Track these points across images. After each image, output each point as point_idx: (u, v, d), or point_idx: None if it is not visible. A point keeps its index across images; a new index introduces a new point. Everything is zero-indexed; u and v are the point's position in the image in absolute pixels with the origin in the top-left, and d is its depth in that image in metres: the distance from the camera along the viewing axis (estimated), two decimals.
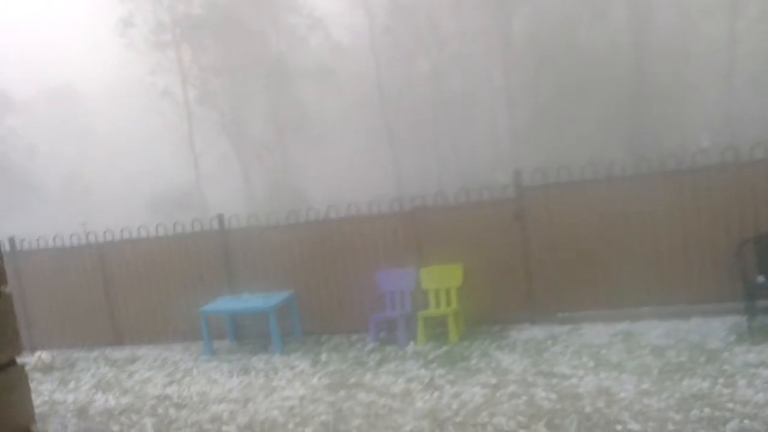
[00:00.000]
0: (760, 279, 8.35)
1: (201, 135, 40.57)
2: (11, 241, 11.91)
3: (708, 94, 29.50)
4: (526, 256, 9.86)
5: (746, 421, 5.99)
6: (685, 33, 31.32)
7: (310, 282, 10.72)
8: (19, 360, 6.03)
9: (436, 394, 7.61)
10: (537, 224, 9.79)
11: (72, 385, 9.63)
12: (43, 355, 10.65)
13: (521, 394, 7.29)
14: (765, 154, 8.81)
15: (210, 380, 9.10)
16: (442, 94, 36.66)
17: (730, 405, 6.33)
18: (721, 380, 6.95)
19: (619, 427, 6.19)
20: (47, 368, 10.48)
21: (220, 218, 11.16)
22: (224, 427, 7.33)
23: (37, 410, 8.55)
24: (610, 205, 9.49)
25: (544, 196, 9.78)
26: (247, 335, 10.92)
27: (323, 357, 9.57)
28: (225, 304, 10.58)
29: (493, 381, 7.80)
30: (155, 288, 11.34)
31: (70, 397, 9.06)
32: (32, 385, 9.64)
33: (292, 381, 8.66)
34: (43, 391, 9.46)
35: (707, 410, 6.30)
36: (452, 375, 8.17)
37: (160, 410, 8.09)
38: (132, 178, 41.41)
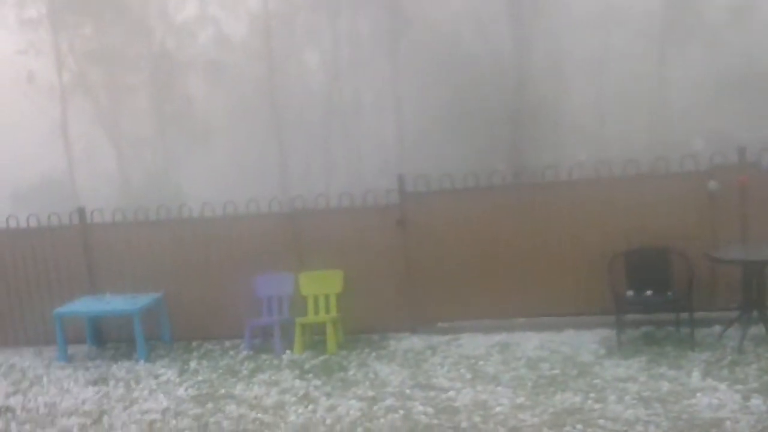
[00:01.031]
0: (629, 293, 8.48)
1: (75, 124, 38.41)
2: None
3: (583, 112, 30.65)
4: (408, 264, 9.64)
5: None
6: (561, 54, 32.46)
7: (181, 284, 10.03)
8: None
9: (310, 407, 7.22)
10: (419, 231, 9.59)
11: None
12: None
13: (398, 408, 7.01)
14: (636, 169, 9.00)
15: (61, 390, 8.28)
16: (332, 97, 36.39)
17: (602, 421, 6.29)
18: (592, 395, 6.92)
19: None
20: None
21: (81, 212, 10.30)
22: None
23: None
24: (490, 214, 9.42)
25: (427, 202, 9.60)
26: (109, 340, 10.11)
27: (192, 365, 8.95)
28: (84, 305, 9.72)
29: (371, 393, 7.48)
30: (4, 286, 10.31)
31: None
32: None
33: (156, 391, 8.01)
34: None
35: (579, 426, 6.23)
36: (328, 386, 7.80)
37: None
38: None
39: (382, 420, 6.75)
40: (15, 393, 8.31)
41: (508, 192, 9.45)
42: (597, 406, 6.66)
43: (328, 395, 7.52)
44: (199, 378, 8.41)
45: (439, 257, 9.56)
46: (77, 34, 37.77)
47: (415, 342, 9.22)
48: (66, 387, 8.40)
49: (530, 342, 8.78)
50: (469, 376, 7.81)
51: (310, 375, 8.21)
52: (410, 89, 34.89)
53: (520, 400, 6.98)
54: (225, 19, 38.31)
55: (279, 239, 9.88)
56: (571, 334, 8.96)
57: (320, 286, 9.63)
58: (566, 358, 8.11)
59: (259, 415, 7.11)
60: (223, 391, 7.89)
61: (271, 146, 36.87)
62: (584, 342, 8.59)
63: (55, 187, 35.37)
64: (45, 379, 8.75)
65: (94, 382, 8.50)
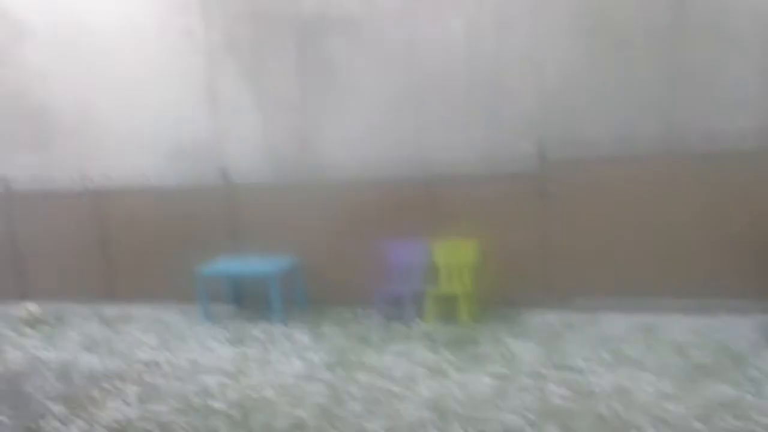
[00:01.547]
0: None
1: (223, 85, 39.90)
2: (3, 180, 11.39)
3: (747, 73, 28.28)
4: (545, 237, 9.23)
5: None
6: (725, 7, 29.91)
7: (318, 248, 10.14)
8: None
9: (441, 380, 7.09)
10: (560, 201, 9.13)
11: (58, 342, 9.18)
12: (32, 307, 10.20)
13: (532, 388, 6.75)
14: None
15: (203, 347, 8.61)
16: (474, 60, 35.61)
17: (757, 416, 5.77)
18: (748, 387, 6.38)
19: None
20: (35, 321, 10.04)
21: (225, 172, 10.57)
22: (212, 402, 6.86)
23: (17, 368, 8.21)
24: (640, 186, 8.81)
25: (569, 171, 9.12)
26: (248, 300, 10.42)
27: (325, 330, 9.05)
28: (225, 265, 10.04)
29: (504, 371, 7.24)
30: (153, 242, 10.80)
31: (54, 356, 8.61)
32: (16, 340, 9.34)
33: (290, 355, 8.15)
34: (27, 347, 9.03)
35: (731, 420, 5.75)
36: (460, 361, 7.63)
37: (146, 378, 7.62)
38: (147, 122, 40.81)
39: (515, 399, 6.52)
40: (161, 348, 8.71)
41: (659, 161, 8.80)
42: (753, 400, 6.13)
43: (460, 369, 7.36)
44: (332, 344, 8.48)
45: (580, 229, 9.08)
46: None
47: (552, 318, 8.87)
48: (207, 345, 8.72)
49: (678, 325, 8.21)
50: (609, 358, 7.40)
51: (442, 347, 8.07)
52: (555, 51, 33.58)
53: (667, 388, 6.53)
54: None
55: (415, 206, 9.74)
56: (725, 319, 8.31)
57: (454, 257, 9.42)
58: (719, 345, 7.52)
59: (390, 385, 7.06)
60: (354, 358, 7.91)
61: (408, 111, 36.83)
62: (740, 329, 7.95)
63: (202, 147, 36.99)
64: (189, 336, 9.13)
65: (234, 342, 8.77)
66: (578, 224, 9.09)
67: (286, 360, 7.99)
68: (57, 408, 6.93)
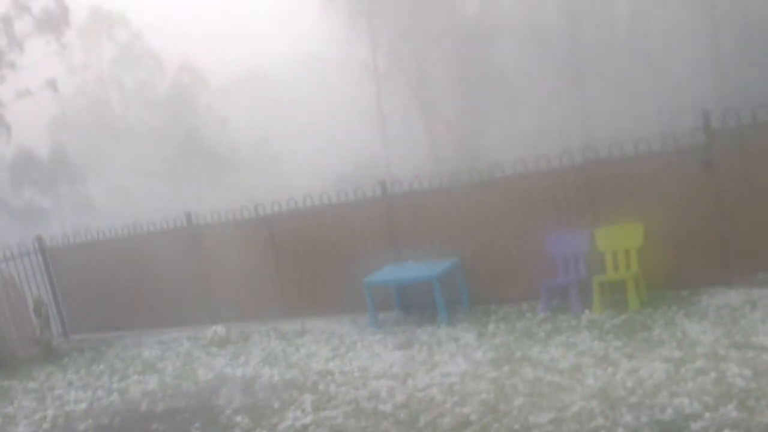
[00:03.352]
0: None
1: (388, 102, 41.16)
2: (188, 215, 12.37)
3: None
4: (719, 211, 8.61)
5: None
6: None
7: (477, 247, 10.13)
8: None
9: (609, 369, 6.81)
10: (730, 173, 8.51)
11: (242, 359, 9.79)
12: (218, 329, 10.97)
13: (710, 370, 6.31)
14: None
15: (372, 354, 8.84)
16: (636, 34, 34.09)
17: None
18: None
19: None
20: (223, 342, 10.78)
21: (383, 185, 10.84)
22: (381, 406, 7.02)
23: (207, 385, 8.87)
24: None
25: (739, 140, 8.46)
26: (413, 305, 10.57)
27: (490, 328, 8.98)
28: (389, 273, 10.27)
29: (678, 354, 6.84)
30: (322, 258, 11.27)
31: (239, 372, 9.20)
32: (206, 359, 10.08)
33: (455, 355, 8.17)
34: (215, 366, 9.71)
35: None
36: (630, 347, 7.29)
37: (320, 386, 7.94)
38: (321, 148, 42.73)
39: (690, 383, 6.14)
40: (334, 358, 9.05)
41: None
42: None
43: (630, 357, 7.03)
44: (497, 341, 8.40)
45: (756, 199, 8.41)
46: (387, 15, 40.23)
47: (732, 296, 8.25)
48: (376, 351, 8.94)
49: None
50: None
51: (610, 336, 7.75)
52: (728, 11, 31.16)
53: None
54: None
55: (572, 193, 9.47)
56: None
57: (619, 241, 9.03)
58: None
59: (555, 378, 6.88)
60: (519, 354, 7.78)
61: (573, 98, 35.71)
62: None
63: (372, 163, 38.20)
64: (359, 345, 9.41)
65: (401, 347, 8.93)
66: (754, 194, 8.42)
67: (452, 360, 8.01)
68: (242, 419, 7.40)
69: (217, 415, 7.67)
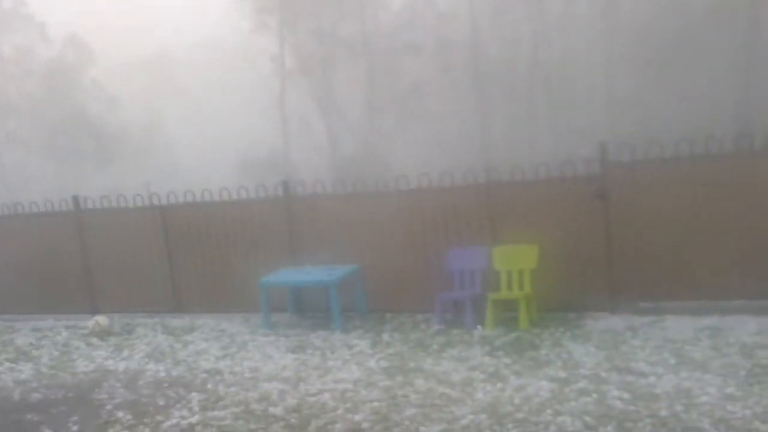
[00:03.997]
0: None
1: (292, 99, 40.92)
2: (75, 199, 11.81)
3: None
4: (608, 239, 9.04)
5: None
6: None
7: (376, 256, 10.18)
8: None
9: (498, 385, 7.00)
10: (622, 204, 8.95)
11: (126, 352, 9.44)
12: (101, 320, 10.54)
13: (591, 392, 6.59)
14: None
15: (264, 356, 8.72)
16: (539, 61, 35.40)
17: None
18: None
19: None
20: (104, 333, 10.35)
21: (285, 184, 10.74)
22: (271, 408, 6.93)
23: (87, 377, 8.49)
24: (704, 186, 8.57)
25: (632, 173, 8.92)
26: (308, 309, 10.52)
27: (385, 337, 9.06)
28: (285, 275, 10.18)
29: (563, 375, 7.11)
30: (217, 255, 11.02)
31: (122, 365, 8.87)
32: (86, 350, 9.66)
33: (349, 362, 8.18)
34: (96, 357, 9.33)
35: None
36: (519, 365, 7.52)
37: (209, 385, 7.75)
38: (217, 138, 41.95)
39: (573, 403, 6.39)
40: (224, 357, 8.87)
41: (727, 161, 8.54)
42: None
43: (518, 374, 7.26)
44: (390, 350, 8.47)
45: (644, 232, 8.90)
46: (301, 13, 40.01)
47: (615, 322, 8.67)
48: (268, 353, 8.83)
49: (746, 327, 7.93)
50: (672, 361, 7.19)
51: (501, 352, 7.98)
52: (623, 45, 32.82)
53: (730, 389, 6.32)
54: None
55: (473, 212, 9.69)
56: None
57: (514, 261, 9.31)
58: None
59: (447, 390, 7.00)
60: (412, 364, 7.88)
61: (473, 115, 36.68)
62: None
63: (271, 158, 37.85)
64: (250, 345, 9.27)
65: (294, 350, 8.86)
66: (642, 226, 8.90)
67: (345, 367, 8.02)
68: (124, 415, 7.13)
69: (98, 409, 7.37)
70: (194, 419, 6.86)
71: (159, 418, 7.00)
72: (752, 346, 7.32)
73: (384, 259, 10.14)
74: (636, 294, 8.98)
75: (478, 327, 8.94)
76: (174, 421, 6.88)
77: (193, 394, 7.55)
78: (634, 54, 31.81)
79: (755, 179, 8.38)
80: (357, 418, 6.53)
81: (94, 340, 10.18)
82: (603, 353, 7.62)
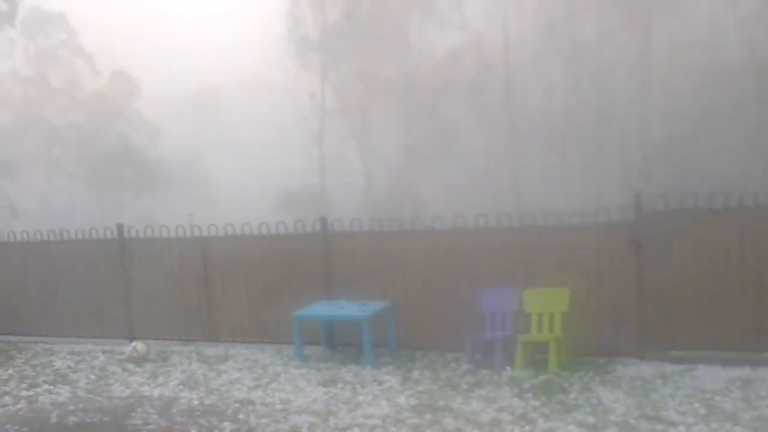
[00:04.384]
0: None
1: (330, 137, 41.64)
2: (119, 228, 12.17)
3: None
4: (640, 286, 9.10)
5: None
6: None
7: (409, 294, 10.35)
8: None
9: (527, 427, 7.06)
10: (655, 252, 9.02)
11: (161, 379, 9.66)
12: (138, 346, 10.79)
13: None
14: None
15: (296, 388, 8.87)
16: (574, 109, 35.71)
17: None
18: None
19: None
20: (141, 359, 10.59)
21: (323, 221, 10.98)
22: None
23: (122, 402, 8.70)
24: (738, 238, 8.67)
25: (666, 223, 9.02)
26: (341, 342, 10.66)
27: (414, 374, 9.15)
28: (319, 309, 10.36)
29: (591, 420, 7.14)
30: (254, 287, 11.24)
31: (157, 392, 9.07)
32: (122, 376, 9.89)
33: (379, 397, 8.29)
34: (132, 383, 9.54)
35: None
36: (547, 408, 7.57)
37: (241, 415, 7.91)
38: (255, 172, 42.62)
39: None
40: (257, 387, 9.03)
41: (761, 215, 8.64)
42: None
43: (546, 417, 7.30)
44: (420, 388, 8.56)
45: (676, 281, 8.95)
46: (342, 52, 40.96)
47: (644, 369, 8.67)
48: (300, 385, 8.97)
49: None
50: (703, 411, 7.18)
51: (529, 394, 8.03)
52: (657, 96, 32.99)
53: None
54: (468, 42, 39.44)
55: (506, 254, 9.81)
56: None
57: (545, 304, 9.40)
58: None
59: (475, 430, 7.08)
60: (441, 403, 7.96)
61: (506, 158, 36.93)
62: None
63: (309, 195, 38.38)
64: (282, 377, 9.42)
65: (324, 383, 8.99)
66: (674, 275, 8.95)
67: (375, 402, 8.13)
68: None
69: None
70: None
71: None
72: None
73: (416, 297, 10.29)
74: (666, 342, 8.99)
75: (507, 368, 9.00)
76: None
77: (225, 423, 7.71)
78: (668, 106, 31.96)
79: None
80: None
81: (131, 366, 10.41)
82: (632, 400, 7.64)
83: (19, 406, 8.84)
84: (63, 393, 9.32)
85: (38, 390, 9.51)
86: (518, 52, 37.73)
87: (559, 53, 36.26)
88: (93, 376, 10.07)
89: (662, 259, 9.02)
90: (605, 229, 9.32)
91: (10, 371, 10.56)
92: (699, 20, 32.56)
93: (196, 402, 8.56)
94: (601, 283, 9.25)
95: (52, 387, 9.62)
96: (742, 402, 7.33)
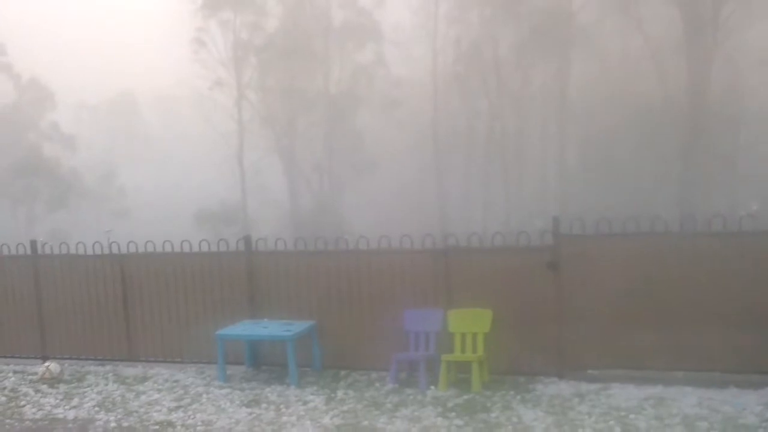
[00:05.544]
0: None
1: (252, 153, 41.32)
2: (33, 244, 11.75)
3: (761, 157, 28.62)
4: (559, 307, 9.39)
5: None
6: (742, 92, 30.73)
7: (334, 313, 10.35)
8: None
9: None
10: (572, 275, 9.34)
11: (76, 401, 9.34)
12: (52, 366, 10.42)
13: None
14: None
15: (218, 409, 8.74)
16: (494, 135, 36.65)
17: None
18: None
19: None
20: (54, 380, 10.23)
21: (247, 240, 10.90)
22: None
23: (35, 425, 8.39)
24: (650, 261, 9.06)
25: (582, 246, 9.35)
26: (264, 362, 10.57)
27: (339, 394, 9.16)
28: (243, 329, 10.25)
29: None
30: (174, 306, 11.01)
31: (71, 414, 8.79)
32: (35, 398, 9.53)
33: (303, 417, 8.27)
34: (44, 405, 9.22)
35: None
36: (470, 427, 7.72)
37: None
38: (176, 189, 41.90)
39: None
40: (177, 409, 8.86)
41: (672, 240, 9.06)
42: None
43: None
44: (345, 407, 8.59)
45: (592, 302, 9.26)
46: (264, 70, 40.82)
47: (563, 388, 8.93)
48: (222, 406, 8.85)
49: (688, 398, 8.25)
50: (618, 429, 7.48)
51: (453, 413, 8.16)
52: (575, 128, 34.31)
53: None
54: (396, 61, 40.04)
55: (430, 275, 9.96)
56: (734, 392, 8.36)
57: (469, 324, 9.57)
58: (727, 418, 7.57)
59: None
60: (366, 422, 8.01)
61: (430, 182, 37.53)
62: (749, 402, 7.98)
63: (229, 211, 37.92)
64: (204, 397, 9.27)
65: (248, 404, 8.90)
66: (591, 297, 9.27)
67: (299, 423, 8.11)
68: None
69: None
70: None
71: None
72: (694, 418, 7.63)
73: (341, 316, 10.31)
74: (584, 361, 9.30)
75: (431, 387, 9.12)
76: None
77: None
78: (584, 133, 33.24)
79: (698, 256, 8.86)
80: None
81: (44, 387, 10.04)
82: (551, 418, 7.87)
83: None
84: None
85: None
86: (442, 70, 38.56)
87: (482, 77, 37.19)
88: (2, 398, 9.66)
89: (579, 281, 9.33)
90: (526, 252, 9.60)
91: None
92: (613, 51, 34.07)
93: (113, 424, 8.34)
94: (522, 304, 9.49)
95: None
96: (655, 420, 7.65)
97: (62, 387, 10.05)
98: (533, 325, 9.48)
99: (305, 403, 8.84)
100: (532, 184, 34.74)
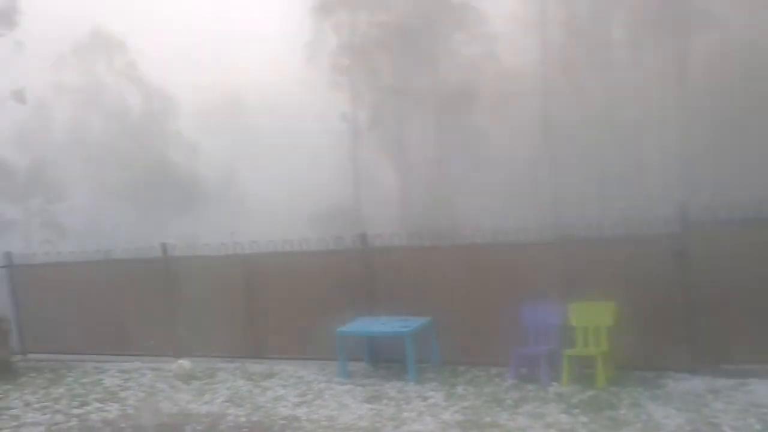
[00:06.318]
0: None
1: (364, 152, 41.86)
2: (163, 246, 12.34)
3: None
4: (689, 299, 8.93)
5: None
6: None
7: (450, 308, 10.27)
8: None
9: None
10: (702, 264, 8.85)
11: (207, 396, 9.75)
12: (184, 363, 10.91)
13: None
14: None
15: (341, 404, 8.87)
16: (610, 122, 35.41)
17: None
18: None
19: None
20: (187, 376, 10.71)
21: (363, 237, 11.01)
22: None
23: (170, 420, 8.80)
24: None
25: (713, 234, 8.83)
26: (384, 358, 10.64)
27: (459, 390, 9.10)
28: (362, 325, 10.38)
29: None
30: (295, 303, 11.26)
31: (204, 409, 9.17)
32: (170, 393, 9.99)
33: (423, 414, 8.26)
34: (179, 401, 9.65)
35: None
36: (596, 424, 7.46)
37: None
38: (290, 188, 42.97)
39: None
40: (301, 404, 9.06)
41: None
42: None
43: None
44: (465, 404, 8.51)
45: (726, 293, 8.76)
46: (373, 70, 41.27)
47: (695, 383, 8.49)
48: (344, 402, 8.98)
49: None
50: (758, 426, 7.02)
51: (577, 410, 7.92)
52: (697, 108, 32.56)
53: None
54: (506, 53, 39.44)
55: (549, 267, 9.73)
56: None
57: (591, 318, 9.26)
58: None
59: None
60: (487, 419, 7.90)
61: (544, 171, 36.68)
62: None
63: (344, 211, 38.53)
64: (327, 393, 9.44)
65: (369, 400, 8.99)
66: (724, 287, 8.77)
67: (420, 419, 8.10)
68: None
69: None
70: None
71: None
72: None
73: (459, 311, 10.23)
74: (717, 355, 8.80)
75: (554, 383, 8.90)
76: None
77: None
78: (708, 115, 31.49)
79: None
80: None
81: (178, 383, 10.53)
82: (684, 416, 7.48)
83: (70, 423, 8.99)
84: (113, 411, 9.46)
85: (89, 408, 9.66)
86: (552, 60, 37.62)
87: (592, 62, 36.01)
88: (141, 394, 10.22)
89: (709, 271, 8.83)
90: (650, 240, 9.19)
91: (61, 389, 10.76)
92: (735, 28, 32.15)
93: (243, 419, 8.62)
94: (649, 296, 9.09)
95: (102, 405, 9.77)
96: None
97: (195, 383, 10.50)
98: (660, 318, 9.08)
99: (425, 399, 8.84)
100: (651, 172, 33.29)
